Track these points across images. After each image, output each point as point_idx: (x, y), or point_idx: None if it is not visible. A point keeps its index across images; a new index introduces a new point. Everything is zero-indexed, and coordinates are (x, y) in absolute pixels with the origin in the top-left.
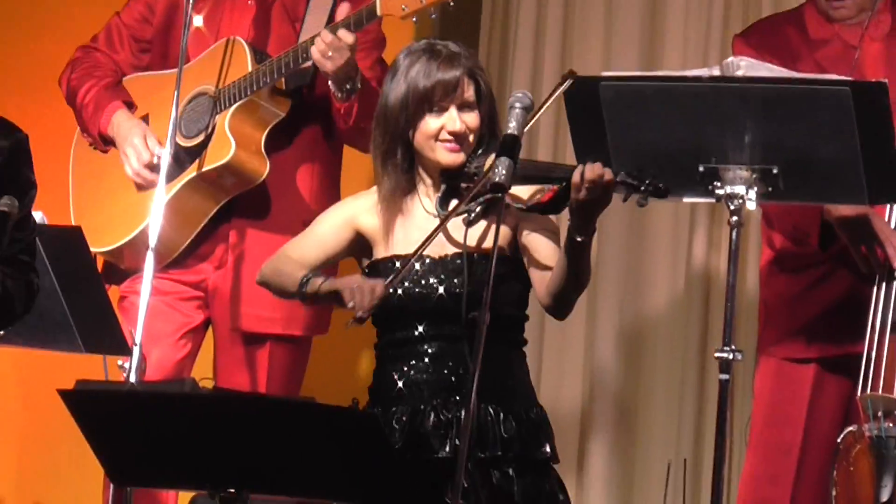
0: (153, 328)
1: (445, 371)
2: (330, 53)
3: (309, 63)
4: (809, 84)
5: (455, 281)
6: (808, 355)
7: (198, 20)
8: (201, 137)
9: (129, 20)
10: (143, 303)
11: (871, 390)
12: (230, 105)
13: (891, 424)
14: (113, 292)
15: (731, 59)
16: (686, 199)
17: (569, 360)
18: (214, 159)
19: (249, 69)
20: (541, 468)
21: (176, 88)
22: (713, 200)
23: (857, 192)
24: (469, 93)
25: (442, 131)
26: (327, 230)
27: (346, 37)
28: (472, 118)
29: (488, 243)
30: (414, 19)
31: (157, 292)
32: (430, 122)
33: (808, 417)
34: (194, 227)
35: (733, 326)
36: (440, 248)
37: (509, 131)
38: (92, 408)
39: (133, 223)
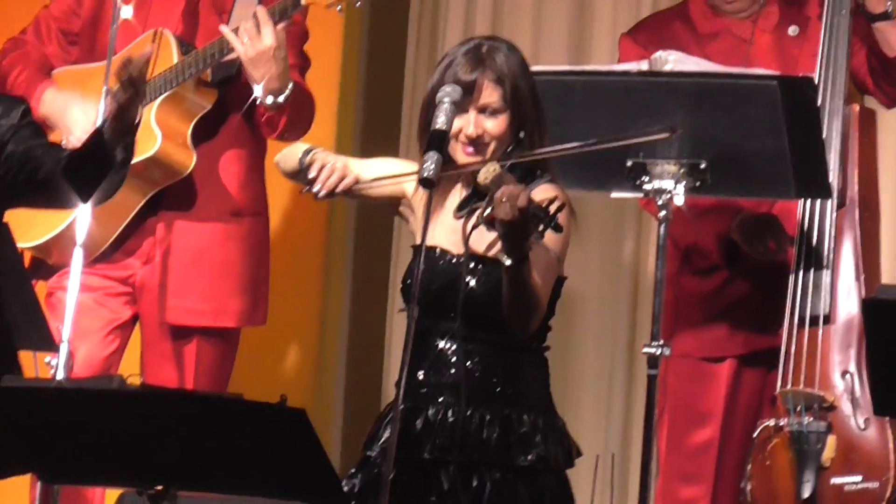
0: (81, 324)
1: (454, 372)
2: (246, 40)
3: (234, 55)
4: (737, 79)
5: (458, 281)
6: (723, 353)
7: (126, 12)
8: None
9: (58, 13)
10: (70, 299)
11: (790, 385)
12: (156, 97)
13: (811, 419)
14: (40, 288)
15: (659, 53)
16: (614, 194)
17: None
18: (140, 152)
19: (175, 61)
20: (528, 476)
21: (104, 81)
22: (641, 195)
23: (784, 186)
24: (491, 98)
25: (461, 133)
26: (378, 162)
27: (266, 36)
28: (494, 124)
29: (495, 248)
30: (339, 9)
31: (85, 288)
32: (453, 122)
33: (725, 414)
34: (121, 220)
35: (661, 322)
36: (457, 245)
37: (438, 126)
38: (18, 404)
39: (60, 218)
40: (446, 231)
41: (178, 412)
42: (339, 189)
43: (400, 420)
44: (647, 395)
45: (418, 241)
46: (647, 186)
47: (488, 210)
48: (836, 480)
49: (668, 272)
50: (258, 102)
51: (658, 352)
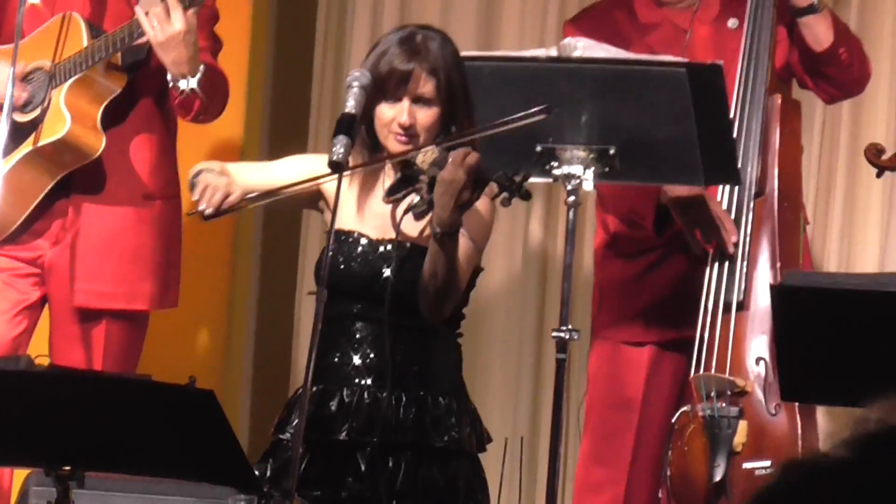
0: None
1: (371, 355)
2: (156, 23)
3: (144, 39)
4: (646, 65)
5: (382, 266)
6: (645, 339)
7: None
8: (37, 112)
9: None
10: None
11: (704, 370)
12: (66, 80)
13: (723, 404)
14: None
15: (568, 39)
16: None
17: None
18: (50, 134)
19: (85, 44)
20: (442, 457)
21: (12, 64)
22: (550, 180)
23: (693, 172)
24: (425, 88)
25: (394, 122)
26: (284, 165)
27: (176, 21)
28: (426, 115)
29: (425, 236)
30: None
31: None
32: (385, 110)
33: (644, 399)
34: (30, 202)
35: (570, 306)
36: (382, 231)
37: (347, 110)
38: None
39: None
40: (371, 216)
41: (87, 393)
42: (224, 206)
43: (312, 403)
44: (555, 380)
45: (335, 228)
46: (556, 172)
47: (419, 194)
48: (746, 465)
49: (596, 256)
50: (171, 86)
51: (567, 336)
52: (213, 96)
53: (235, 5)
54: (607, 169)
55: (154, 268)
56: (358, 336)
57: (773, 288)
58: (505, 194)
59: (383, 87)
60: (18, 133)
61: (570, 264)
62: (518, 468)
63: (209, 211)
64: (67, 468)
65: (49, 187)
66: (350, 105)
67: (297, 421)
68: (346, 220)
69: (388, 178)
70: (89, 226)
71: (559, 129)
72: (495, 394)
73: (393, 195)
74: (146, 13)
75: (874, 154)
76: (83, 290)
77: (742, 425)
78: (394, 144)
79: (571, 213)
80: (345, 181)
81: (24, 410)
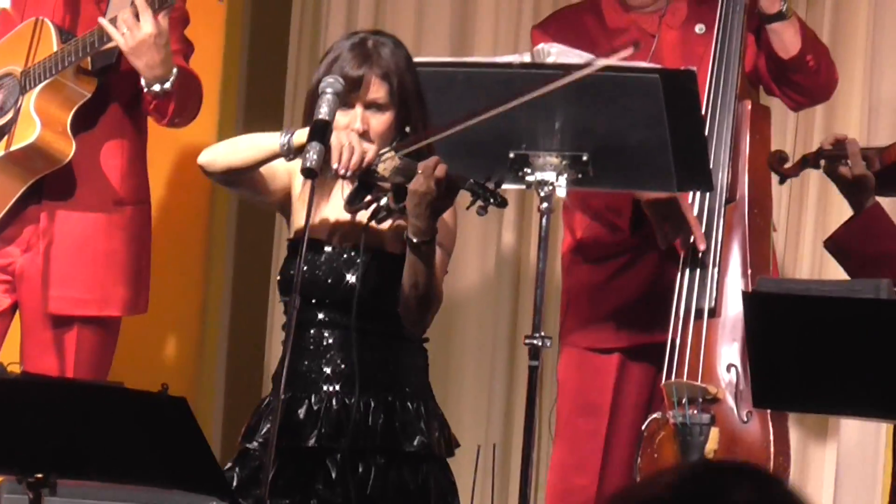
0: None
1: (338, 361)
2: (125, 29)
3: (113, 43)
4: (619, 71)
5: (346, 273)
6: (613, 345)
7: (4, 1)
8: (8, 117)
9: None
10: None
11: (675, 377)
12: (36, 85)
13: (695, 411)
14: None
15: (541, 45)
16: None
17: None
18: (20, 139)
19: (55, 49)
20: (412, 462)
21: None
22: (523, 187)
23: (666, 179)
24: (378, 94)
25: (347, 129)
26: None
27: (145, 24)
28: (380, 120)
29: (388, 241)
30: None
31: None
32: (338, 118)
33: (613, 406)
34: (0, 208)
35: (543, 313)
36: (344, 237)
37: (320, 116)
38: None
39: None
40: (331, 223)
41: (59, 400)
42: (363, 166)
43: (280, 410)
44: (528, 386)
45: (294, 236)
46: (529, 178)
47: (383, 199)
48: None
49: (563, 262)
50: (144, 90)
51: (539, 343)
52: (187, 100)
53: (208, 9)
54: (580, 175)
55: (126, 273)
56: (324, 343)
57: (745, 295)
58: (479, 202)
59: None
60: None
61: (542, 271)
62: (490, 474)
63: (349, 174)
64: (40, 475)
65: (20, 193)
66: (323, 111)
67: (265, 429)
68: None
69: (345, 185)
70: (61, 231)
71: (532, 135)
72: (468, 400)
73: (353, 203)
74: (114, 19)
75: (777, 161)
76: (56, 296)
77: (714, 432)
78: None
79: (545, 220)
80: (302, 180)
81: None
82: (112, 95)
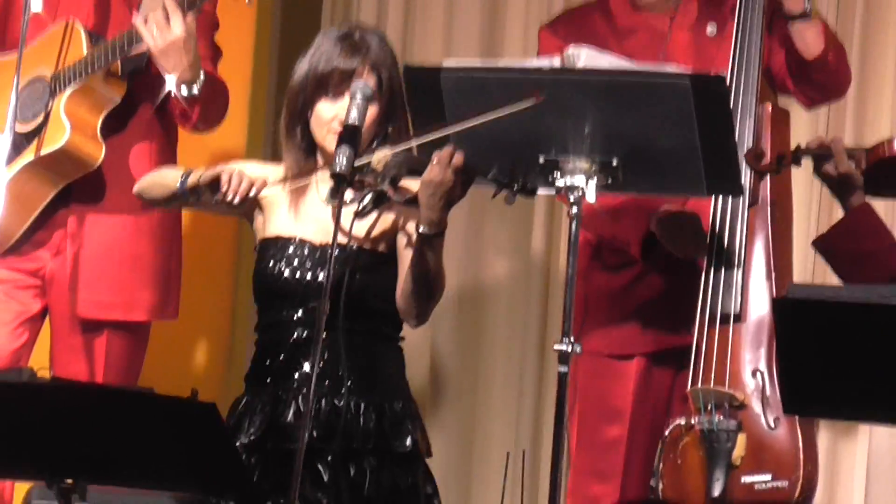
0: None
1: (323, 361)
2: (155, 31)
3: (143, 47)
4: (650, 76)
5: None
6: (632, 350)
7: (37, 5)
8: (38, 121)
9: None
10: None
11: (701, 383)
12: (65, 89)
13: (721, 417)
14: None
15: (571, 49)
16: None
17: (406, 351)
18: (50, 144)
19: (85, 52)
20: (402, 461)
21: (16, 73)
22: (553, 192)
23: (696, 183)
24: (368, 84)
25: (334, 120)
26: (232, 165)
27: (176, 26)
28: (368, 112)
29: (373, 238)
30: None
31: None
32: (325, 109)
33: (633, 412)
34: (31, 212)
35: (572, 319)
36: (324, 234)
37: (350, 121)
38: None
39: None
40: (309, 220)
41: (89, 406)
42: (252, 194)
43: (264, 412)
44: (557, 393)
45: (267, 236)
46: (559, 183)
47: (370, 194)
48: (746, 479)
49: (579, 267)
50: (172, 94)
51: (569, 348)
52: (212, 105)
53: (238, 14)
54: (610, 180)
55: (154, 278)
56: (308, 343)
57: (776, 301)
58: (506, 191)
59: (324, 84)
60: (20, 143)
61: (572, 276)
62: (520, 481)
63: (237, 199)
64: (70, 481)
65: (50, 197)
66: (353, 116)
67: (253, 430)
68: (283, 225)
69: (322, 180)
70: (90, 235)
71: (562, 139)
72: (497, 406)
73: (335, 198)
74: (145, 20)
75: (753, 158)
76: (84, 299)
77: (741, 439)
78: (333, 143)
79: (574, 225)
80: (273, 183)
81: (26, 423)
82: (141, 99)
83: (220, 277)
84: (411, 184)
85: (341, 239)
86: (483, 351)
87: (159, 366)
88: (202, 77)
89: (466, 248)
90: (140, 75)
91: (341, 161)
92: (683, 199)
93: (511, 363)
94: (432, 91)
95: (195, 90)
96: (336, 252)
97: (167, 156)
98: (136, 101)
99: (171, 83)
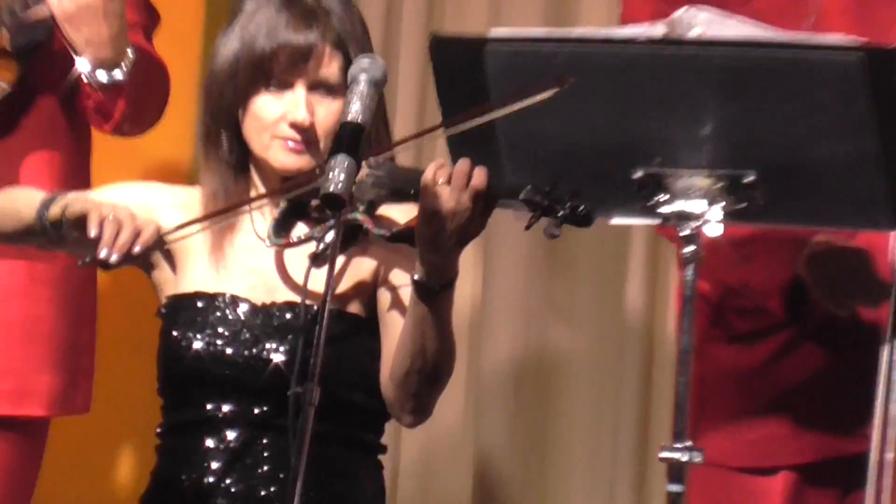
0: None
1: (257, 473)
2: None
3: (44, 11)
4: (800, 49)
5: (279, 342)
6: (776, 462)
7: None
8: None
9: None
10: None
11: None
12: None
13: None
14: None
15: (684, 9)
16: (615, 221)
17: (442, 448)
18: None
19: None
20: None
21: None
22: (656, 222)
23: (875, 211)
24: (330, 69)
25: (281, 121)
26: (108, 194)
27: None
28: (328, 108)
29: (338, 290)
30: None
31: None
32: (267, 104)
33: None
34: None
35: (686, 412)
36: (268, 291)
37: (350, 117)
38: None
39: None
40: (242, 271)
41: None
42: (137, 249)
43: None
44: None
45: (180, 292)
46: (664, 209)
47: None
48: None
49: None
50: (84, 80)
51: (685, 457)
52: (146, 96)
53: None
54: (744, 204)
55: (54, 353)
56: (234, 453)
57: None
58: (547, 220)
59: (265, 69)
60: None
61: (687, 347)
62: None
63: (115, 259)
64: None
65: None
66: (354, 110)
67: None
68: (204, 276)
69: (261, 212)
70: None
71: (670, 145)
72: None
73: (280, 234)
74: None
75: None
76: None
77: None
78: (280, 155)
79: (690, 271)
80: (179, 214)
81: None
82: (40, 86)
83: (151, 353)
84: (396, 211)
85: (292, 297)
86: (555, 452)
87: (62, 480)
88: (130, 56)
89: (526, 304)
90: (39, 53)
91: (337, 177)
92: (849, 231)
93: (594, 470)
94: (472, 72)
95: (119, 75)
96: (287, 316)
97: (76, 169)
98: (33, 90)
99: (83, 65)
